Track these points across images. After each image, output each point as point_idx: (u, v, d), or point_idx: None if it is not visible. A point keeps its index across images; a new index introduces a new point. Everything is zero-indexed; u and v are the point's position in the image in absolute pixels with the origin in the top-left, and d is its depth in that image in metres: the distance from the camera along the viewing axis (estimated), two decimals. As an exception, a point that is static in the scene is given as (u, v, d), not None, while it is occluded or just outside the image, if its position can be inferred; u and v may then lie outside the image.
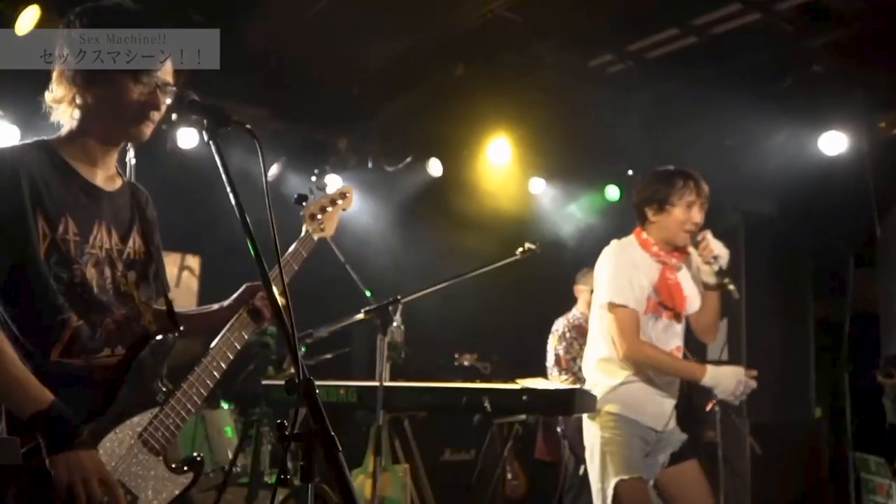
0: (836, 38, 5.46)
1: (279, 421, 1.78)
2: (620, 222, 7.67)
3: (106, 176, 2.29)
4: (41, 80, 2.25)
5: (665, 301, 3.61)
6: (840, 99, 6.04)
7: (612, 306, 3.56)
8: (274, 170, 6.54)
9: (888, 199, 5.46)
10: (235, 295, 2.47)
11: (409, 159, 6.82)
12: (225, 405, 4.92)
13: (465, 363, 7.38)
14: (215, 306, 2.51)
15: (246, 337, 2.38)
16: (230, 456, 4.73)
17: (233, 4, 5.13)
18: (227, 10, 5.02)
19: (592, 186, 7.60)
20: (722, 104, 5.97)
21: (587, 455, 3.64)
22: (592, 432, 3.59)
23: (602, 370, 3.64)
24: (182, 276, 6.88)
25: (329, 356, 5.77)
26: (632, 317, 3.53)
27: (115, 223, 2.27)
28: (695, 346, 4.10)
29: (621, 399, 3.56)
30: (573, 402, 3.48)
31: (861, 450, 6.67)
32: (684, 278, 3.75)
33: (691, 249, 3.67)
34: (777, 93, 5.95)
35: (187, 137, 5.89)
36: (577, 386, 5.31)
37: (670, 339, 3.67)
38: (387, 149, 6.85)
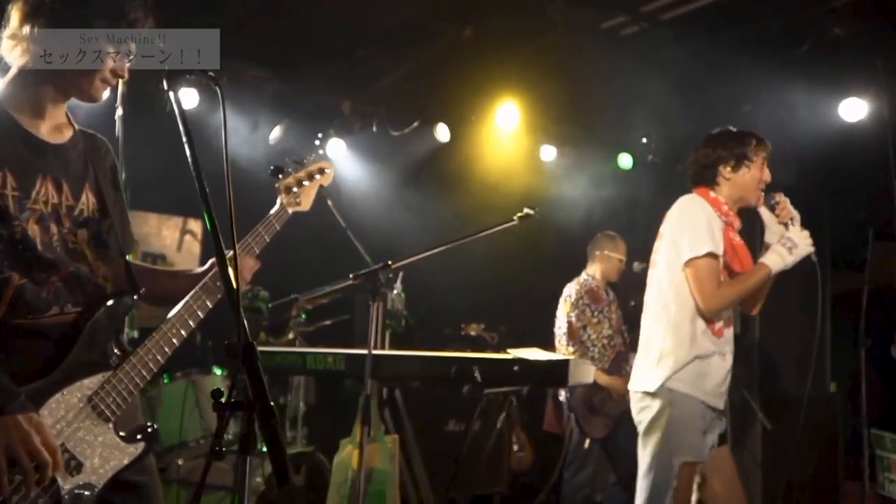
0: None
1: (215, 388, 1.67)
2: (633, 189, 7.56)
3: (52, 126, 2.18)
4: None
5: (729, 261, 3.53)
6: (860, 64, 5.80)
7: (693, 260, 3.41)
8: (276, 132, 6.42)
9: (910, 168, 5.24)
10: (210, 262, 2.35)
11: (415, 124, 6.66)
12: (218, 371, 4.84)
13: (472, 333, 7.27)
14: (195, 270, 2.42)
15: (210, 305, 2.27)
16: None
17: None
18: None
19: (605, 154, 7.41)
20: (738, 69, 5.77)
21: (642, 429, 3.50)
22: (654, 408, 3.44)
23: (673, 343, 3.45)
24: (184, 239, 6.80)
25: (328, 322, 5.70)
26: (712, 265, 3.42)
27: (66, 177, 2.16)
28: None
29: (690, 377, 3.42)
30: (567, 373, 3.35)
31: (876, 426, 6.52)
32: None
33: (764, 211, 3.65)
34: (795, 57, 5.72)
35: (188, 97, 5.77)
36: (576, 357, 5.26)
37: None
38: (392, 113, 6.69)
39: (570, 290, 5.60)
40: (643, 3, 5.78)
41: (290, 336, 5.40)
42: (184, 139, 1.97)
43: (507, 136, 6.83)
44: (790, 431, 6.23)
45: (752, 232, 3.91)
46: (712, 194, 3.59)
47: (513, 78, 6.39)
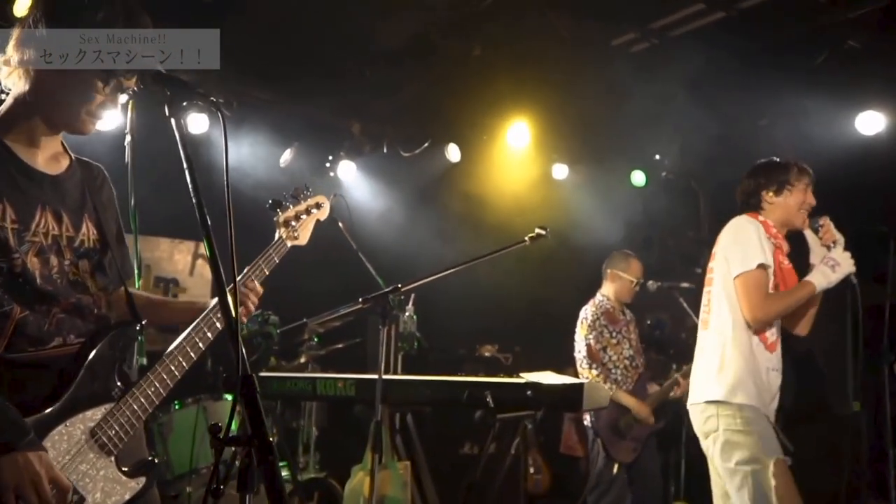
0: (872, 10, 5.14)
1: (213, 423, 1.60)
2: (647, 207, 7.48)
3: (48, 157, 2.14)
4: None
5: (777, 282, 3.66)
6: (878, 76, 5.72)
7: (743, 273, 3.55)
8: (286, 156, 6.38)
9: (930, 180, 5.16)
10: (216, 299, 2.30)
11: (426, 144, 6.61)
12: (228, 397, 4.76)
13: (486, 354, 7.20)
14: (199, 302, 2.36)
15: (210, 337, 2.21)
16: (233, 449, 4.58)
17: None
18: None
19: (618, 171, 7.33)
20: (753, 83, 5.69)
21: (714, 441, 3.54)
22: (724, 416, 3.51)
23: (734, 356, 3.55)
24: (196, 264, 6.76)
25: (341, 346, 5.63)
26: (761, 277, 3.54)
27: (65, 208, 2.12)
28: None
29: (753, 390, 3.53)
30: (581, 398, 3.26)
31: (901, 445, 6.37)
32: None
33: (809, 234, 3.86)
34: (811, 69, 5.65)
35: (197, 122, 5.75)
36: (599, 381, 5.15)
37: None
38: (402, 133, 6.64)
39: (586, 313, 5.50)
40: (653, 19, 5.73)
41: (303, 360, 5.33)
42: (184, 165, 1.90)
43: (518, 154, 6.77)
44: (814, 451, 6.11)
45: (798, 258, 3.96)
46: (761, 217, 3.75)
47: (523, 96, 6.33)
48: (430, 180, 6.96)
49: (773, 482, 3.38)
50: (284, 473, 4.64)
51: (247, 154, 5.97)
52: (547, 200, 7.16)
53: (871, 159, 5.93)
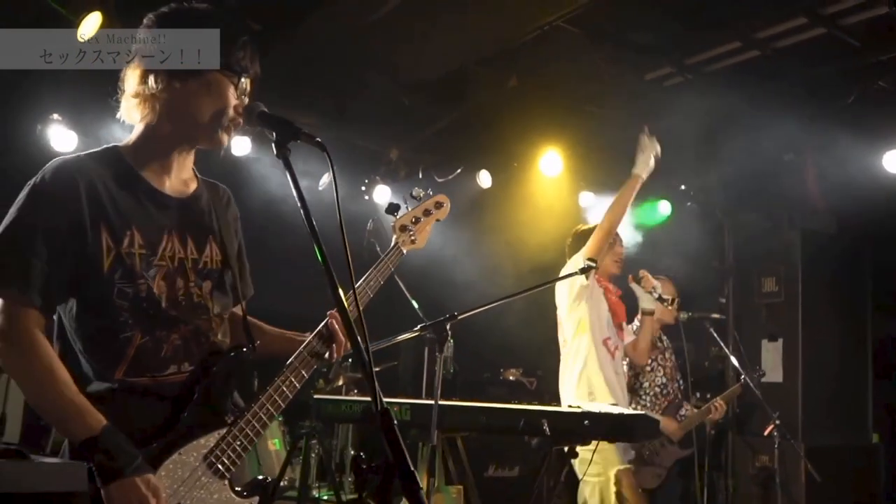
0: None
1: (358, 453, 1.70)
2: (670, 236, 7.59)
3: (178, 181, 2.20)
4: (99, 83, 2.18)
5: (614, 308, 4.70)
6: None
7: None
8: (325, 179, 6.50)
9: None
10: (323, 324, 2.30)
11: (458, 170, 6.74)
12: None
13: (511, 378, 7.28)
14: (302, 335, 2.37)
15: (314, 365, 2.28)
16: (277, 469, 4.67)
17: (289, 10, 5.09)
18: (283, 16, 4.98)
19: (644, 201, 7.45)
20: (782, 119, 5.82)
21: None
22: None
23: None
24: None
25: (377, 369, 5.70)
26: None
27: (191, 231, 2.18)
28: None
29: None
30: (636, 428, 3.36)
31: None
32: None
33: (634, 286, 4.95)
34: (841, 108, 5.78)
35: (241, 145, 5.87)
36: (639, 410, 5.24)
37: None
38: (438, 159, 6.77)
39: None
40: (689, 55, 5.86)
41: (340, 383, 5.42)
42: (298, 203, 1.97)
43: (549, 182, 6.89)
44: (833, 482, 6.19)
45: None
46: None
47: (556, 126, 6.47)
48: (463, 205, 7.07)
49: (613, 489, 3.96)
50: (328, 495, 4.72)
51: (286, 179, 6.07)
52: (574, 227, 7.27)
53: (897, 196, 6.07)
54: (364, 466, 1.67)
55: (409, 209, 2.64)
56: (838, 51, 5.45)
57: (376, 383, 1.72)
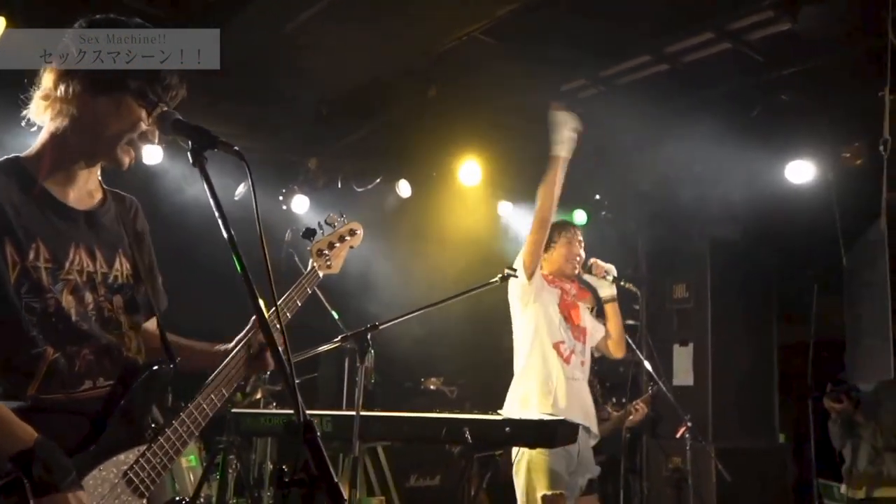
0: (805, 67, 5.53)
1: (280, 466, 1.68)
2: (587, 244, 7.73)
3: (83, 193, 2.14)
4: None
5: (570, 310, 4.41)
6: (807, 128, 6.12)
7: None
8: (241, 189, 6.40)
9: (854, 227, 5.52)
10: (241, 334, 2.31)
11: (378, 180, 6.74)
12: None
13: (432, 387, 7.29)
14: (221, 347, 2.35)
15: (240, 378, 2.26)
16: (191, 488, 4.57)
17: (206, 16, 5.01)
18: (200, 24, 4.89)
19: (560, 210, 7.57)
20: (691, 131, 6.01)
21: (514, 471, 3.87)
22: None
23: None
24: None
25: (297, 381, 5.64)
26: None
27: (99, 244, 2.13)
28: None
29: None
30: (557, 434, 3.41)
31: (824, 476, 6.73)
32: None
33: (588, 277, 4.58)
34: (746, 121, 6.02)
35: (152, 153, 5.74)
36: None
37: None
38: (357, 169, 6.76)
39: None
40: (602, 68, 6.00)
41: (258, 396, 5.34)
42: (215, 212, 1.93)
43: (468, 192, 6.96)
44: (741, 482, 6.40)
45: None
46: (545, 271, 4.43)
47: (475, 136, 6.54)
48: (383, 215, 7.07)
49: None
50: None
51: (201, 188, 5.97)
52: (492, 236, 7.37)
53: (800, 206, 6.33)
54: (286, 480, 1.64)
55: (325, 235, 2.67)
56: (744, 65, 5.66)
57: (299, 395, 1.71)
